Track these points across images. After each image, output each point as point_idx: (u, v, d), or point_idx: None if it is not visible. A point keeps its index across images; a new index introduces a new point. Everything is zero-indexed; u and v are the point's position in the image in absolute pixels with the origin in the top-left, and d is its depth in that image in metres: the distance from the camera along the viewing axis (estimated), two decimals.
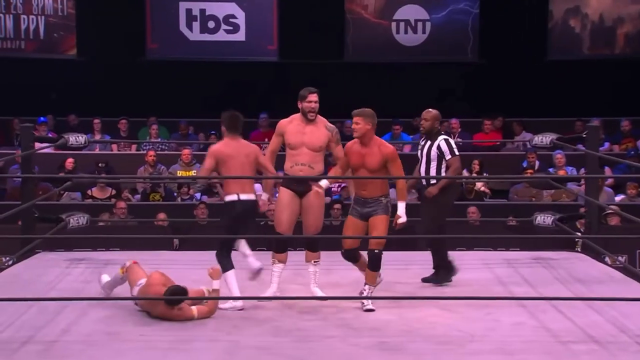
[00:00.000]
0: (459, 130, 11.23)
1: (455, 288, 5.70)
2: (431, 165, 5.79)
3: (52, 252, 6.76)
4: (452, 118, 11.29)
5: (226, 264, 5.15)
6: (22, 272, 6.07)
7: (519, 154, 10.79)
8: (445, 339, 4.61)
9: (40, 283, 5.76)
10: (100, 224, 8.34)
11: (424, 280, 5.83)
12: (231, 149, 5.17)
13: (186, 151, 10.06)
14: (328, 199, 9.23)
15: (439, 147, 5.77)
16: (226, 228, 5.17)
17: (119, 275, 5.24)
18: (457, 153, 5.79)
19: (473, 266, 6.36)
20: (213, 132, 11.08)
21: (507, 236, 7.95)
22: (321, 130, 5.40)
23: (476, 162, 10.01)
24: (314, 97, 5.36)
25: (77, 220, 6.79)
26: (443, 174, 5.74)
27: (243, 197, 5.11)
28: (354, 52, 12.89)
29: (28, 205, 6.38)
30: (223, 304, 5.07)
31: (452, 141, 5.84)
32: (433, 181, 5.78)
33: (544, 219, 6.93)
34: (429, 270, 6.02)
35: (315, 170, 5.38)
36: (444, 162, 5.78)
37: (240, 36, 12.83)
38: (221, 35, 12.81)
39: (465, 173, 10.18)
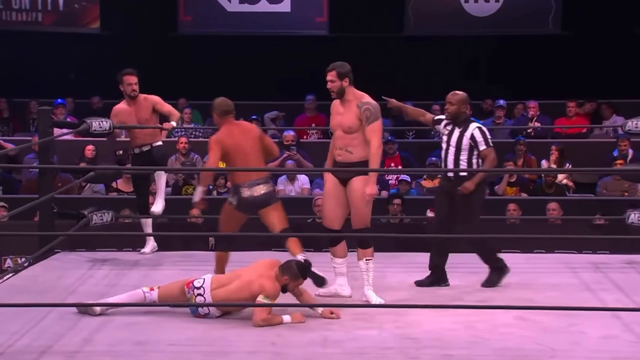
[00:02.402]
0: (538, 113, 11.12)
1: (533, 294, 5.66)
2: (461, 156, 5.79)
3: (72, 252, 6.89)
4: (529, 100, 11.18)
5: None
6: (39, 274, 6.19)
7: (608, 142, 10.64)
8: (520, 353, 4.57)
9: (59, 286, 5.87)
10: (127, 220, 8.45)
11: (418, 284, 5.89)
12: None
13: None
14: (385, 193, 9.22)
15: (472, 137, 5.78)
16: None
17: (145, 291, 5.22)
18: (491, 144, 5.81)
19: (554, 270, 6.34)
20: (255, 116, 11.15)
21: (595, 236, 7.85)
22: (352, 109, 5.44)
23: (554, 148, 9.87)
24: (328, 76, 5.48)
25: (101, 217, 6.90)
26: (474, 166, 5.75)
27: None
28: (415, 25, 12.83)
29: (46, 199, 6.49)
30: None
31: (486, 130, 5.85)
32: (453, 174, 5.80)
33: (638, 217, 6.86)
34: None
35: (355, 155, 5.40)
36: (475, 152, 5.78)
37: (285, 7, 12.86)
38: (263, 6, 12.85)
39: (544, 164, 10.09)
